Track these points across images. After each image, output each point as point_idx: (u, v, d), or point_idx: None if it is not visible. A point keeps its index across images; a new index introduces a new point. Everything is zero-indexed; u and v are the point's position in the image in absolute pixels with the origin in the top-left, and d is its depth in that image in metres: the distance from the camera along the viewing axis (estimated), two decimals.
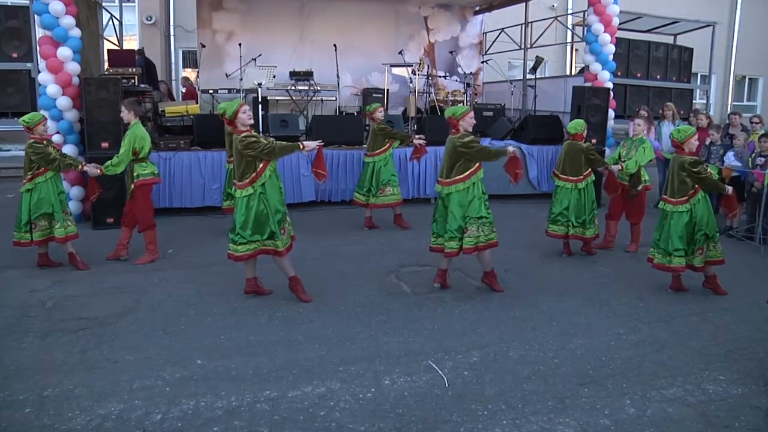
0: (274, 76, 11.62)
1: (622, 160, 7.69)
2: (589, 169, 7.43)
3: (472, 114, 6.04)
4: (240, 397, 3.98)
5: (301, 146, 5.68)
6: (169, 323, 5.23)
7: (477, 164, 5.99)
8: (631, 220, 7.98)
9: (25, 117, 6.58)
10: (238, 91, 11.65)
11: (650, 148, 7.68)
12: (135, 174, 6.82)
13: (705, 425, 3.83)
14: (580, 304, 5.96)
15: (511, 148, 6.31)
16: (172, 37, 17.44)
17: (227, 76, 12.41)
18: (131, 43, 15.34)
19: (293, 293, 5.86)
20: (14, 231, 6.57)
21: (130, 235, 7.04)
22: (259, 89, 10.91)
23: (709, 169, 6.36)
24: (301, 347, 4.80)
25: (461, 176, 5.93)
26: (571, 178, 7.37)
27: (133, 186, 6.85)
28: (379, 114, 8.74)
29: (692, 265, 6.23)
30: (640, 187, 7.68)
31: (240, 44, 12.35)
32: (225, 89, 12.14)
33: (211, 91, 12.17)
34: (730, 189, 6.28)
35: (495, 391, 4.16)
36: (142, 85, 10.61)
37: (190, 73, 17.25)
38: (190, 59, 17.54)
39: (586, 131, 7.57)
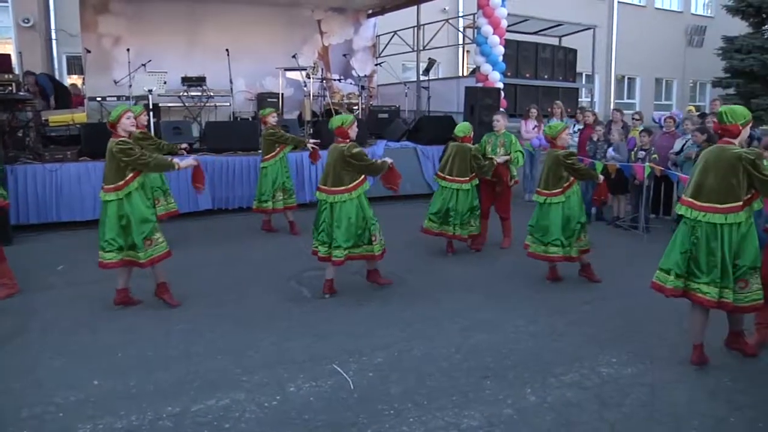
0: (165, 83, 11.30)
1: (489, 157, 7.79)
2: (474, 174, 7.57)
3: (356, 123, 6.21)
4: (141, 416, 3.84)
5: (177, 166, 5.69)
6: (61, 344, 4.97)
7: (363, 176, 6.10)
8: (502, 215, 8.16)
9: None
10: (127, 98, 11.26)
11: (517, 142, 7.95)
12: None
13: (600, 406, 4.03)
14: (480, 300, 6.12)
15: (389, 160, 6.27)
16: (53, 42, 16.54)
17: (116, 82, 11.99)
18: (7, 48, 14.49)
19: (160, 298, 5.80)
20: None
21: None
22: (150, 96, 10.57)
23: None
24: (202, 359, 4.68)
25: (350, 186, 5.98)
26: (458, 179, 7.51)
27: None
28: (272, 119, 8.65)
29: (570, 255, 6.53)
30: (512, 183, 7.97)
31: (128, 49, 11.91)
32: (114, 96, 11.70)
33: (98, 99, 11.69)
34: (601, 177, 6.73)
35: (400, 390, 4.20)
36: (21, 93, 10.05)
37: (76, 80, 16.48)
38: (76, 65, 16.75)
39: (472, 133, 7.75)
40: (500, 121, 8.02)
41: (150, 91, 10.58)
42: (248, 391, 4.17)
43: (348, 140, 6.09)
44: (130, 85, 11.19)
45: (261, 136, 8.77)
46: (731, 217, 4.36)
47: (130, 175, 5.47)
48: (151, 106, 10.40)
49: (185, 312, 5.65)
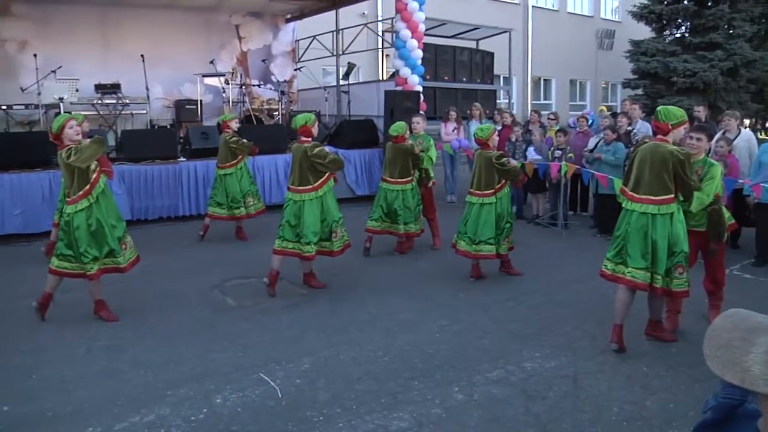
0: (77, 90, 10.91)
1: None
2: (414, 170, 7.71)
3: (317, 121, 6.38)
4: None
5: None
6: None
7: (328, 173, 6.27)
8: (428, 216, 8.23)
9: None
10: (36, 106, 10.81)
11: (434, 145, 8.09)
12: None
13: (525, 399, 4.13)
14: (405, 301, 6.17)
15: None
16: None
17: (23, 90, 11.44)
18: None
19: (98, 316, 5.62)
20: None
21: None
22: (61, 104, 10.18)
23: (512, 161, 6.97)
24: (125, 375, 4.53)
25: (315, 185, 6.16)
26: (400, 180, 7.61)
27: None
28: (235, 124, 8.65)
29: (499, 253, 6.71)
30: (430, 183, 8.09)
31: (35, 55, 11.40)
32: (21, 105, 11.20)
33: (4, 107, 11.16)
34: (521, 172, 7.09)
35: (328, 396, 4.19)
36: None
37: None
38: None
39: (408, 132, 7.81)
40: (420, 124, 8.13)
41: (61, 98, 10.20)
42: (174, 406, 4.07)
43: (311, 139, 6.27)
44: (39, 93, 10.73)
45: (221, 141, 8.51)
46: (663, 207, 4.67)
47: (94, 176, 5.33)
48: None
49: (106, 327, 5.45)
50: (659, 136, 4.80)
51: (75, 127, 5.33)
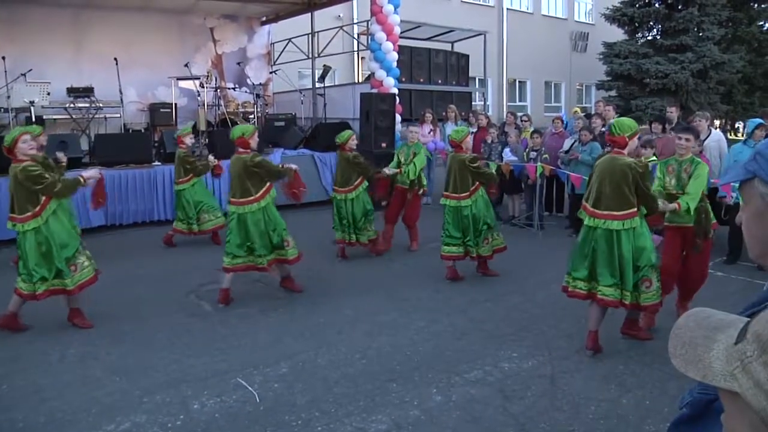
0: (48, 93, 10.73)
1: (402, 165, 7.95)
2: (360, 178, 7.65)
3: (257, 132, 6.29)
4: None
5: (83, 180, 5.48)
6: None
7: (269, 183, 6.17)
8: (408, 223, 8.21)
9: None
10: (6, 110, 10.61)
11: (422, 153, 8.07)
12: None
13: (503, 399, 4.16)
14: (382, 303, 6.17)
15: (294, 167, 6.45)
16: None
17: None
18: None
19: (72, 323, 5.52)
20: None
21: None
22: (32, 108, 10.02)
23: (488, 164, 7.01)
24: (99, 383, 4.47)
25: (257, 195, 6.04)
26: (341, 189, 7.62)
27: None
28: (189, 140, 8.50)
29: (480, 254, 6.73)
30: (421, 191, 8.10)
31: (4, 58, 11.19)
32: None
33: None
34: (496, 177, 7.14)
35: (307, 400, 4.17)
36: None
37: None
38: None
39: (354, 141, 7.76)
40: (415, 134, 8.23)
41: (32, 102, 10.04)
42: (150, 413, 4.02)
43: (249, 150, 6.14)
44: (8, 96, 10.53)
45: (176, 156, 8.42)
46: (628, 222, 4.67)
47: (45, 198, 5.19)
48: (33, 119, 9.88)
49: (80, 334, 5.38)
50: (615, 149, 4.78)
51: (29, 142, 5.18)
